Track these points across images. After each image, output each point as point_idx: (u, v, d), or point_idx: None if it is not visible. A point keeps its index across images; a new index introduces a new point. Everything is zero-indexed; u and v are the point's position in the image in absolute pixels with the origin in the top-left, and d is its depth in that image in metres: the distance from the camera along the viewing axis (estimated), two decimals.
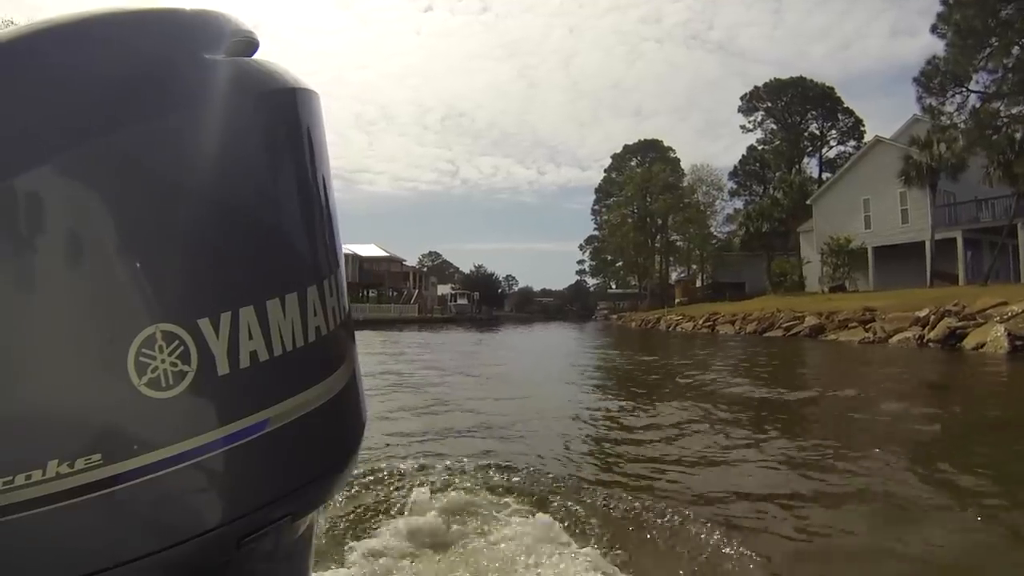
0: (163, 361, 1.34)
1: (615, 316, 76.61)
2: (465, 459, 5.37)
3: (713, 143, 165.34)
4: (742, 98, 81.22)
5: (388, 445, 6.11)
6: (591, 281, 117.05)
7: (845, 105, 78.56)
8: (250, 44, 1.64)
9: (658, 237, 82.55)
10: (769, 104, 79.27)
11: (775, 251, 57.40)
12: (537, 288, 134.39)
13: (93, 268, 1.32)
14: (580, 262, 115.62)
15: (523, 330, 49.84)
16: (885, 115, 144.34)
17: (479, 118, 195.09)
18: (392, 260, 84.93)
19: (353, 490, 4.33)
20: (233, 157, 1.54)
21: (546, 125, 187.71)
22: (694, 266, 79.32)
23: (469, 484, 4.55)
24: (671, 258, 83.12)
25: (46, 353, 1.29)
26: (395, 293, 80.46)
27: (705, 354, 19.36)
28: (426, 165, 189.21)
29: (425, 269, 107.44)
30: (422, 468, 5.07)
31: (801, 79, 78.50)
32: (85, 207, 1.31)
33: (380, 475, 4.82)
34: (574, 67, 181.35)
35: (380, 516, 3.93)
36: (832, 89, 78.63)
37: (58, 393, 1.29)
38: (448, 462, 5.24)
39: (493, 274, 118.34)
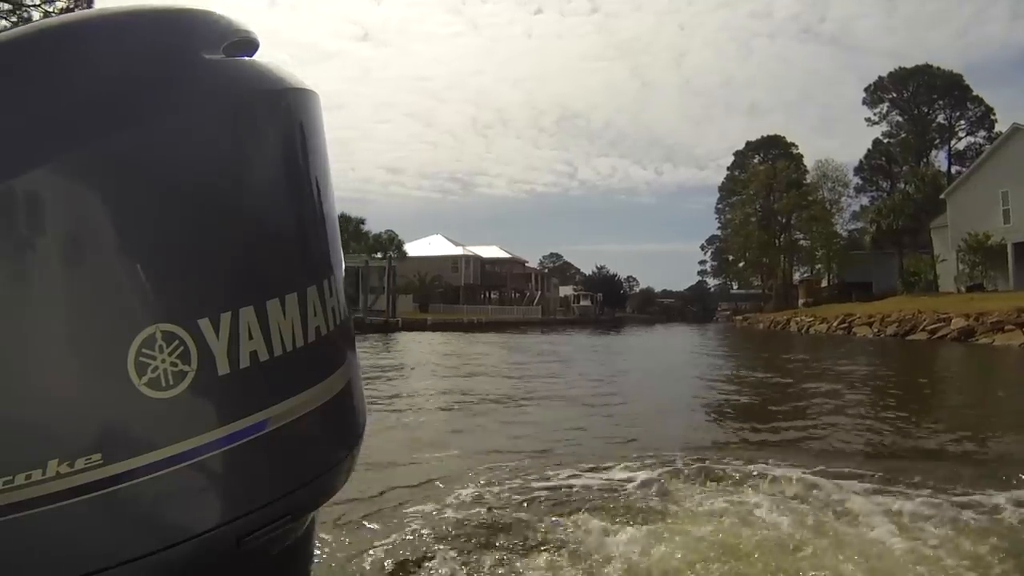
0: (163, 361, 1.36)
1: (739, 317, 74.72)
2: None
3: (828, 140, 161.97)
4: (866, 89, 77.82)
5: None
6: (712, 281, 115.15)
7: (974, 93, 73.94)
8: (250, 44, 1.62)
9: (781, 236, 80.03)
10: (894, 94, 75.49)
11: (904, 249, 54.60)
12: (657, 289, 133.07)
13: (93, 268, 1.34)
14: (702, 262, 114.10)
15: (647, 333, 48.39)
16: (1009, 104, 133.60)
17: (594, 119, 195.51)
18: (514, 261, 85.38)
19: (356, 489, 4.20)
20: (232, 157, 1.54)
21: (661, 125, 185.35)
22: (818, 265, 76.17)
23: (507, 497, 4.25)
24: (794, 257, 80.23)
25: (45, 353, 1.31)
26: (517, 295, 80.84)
27: (862, 366, 16.74)
28: (543, 167, 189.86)
29: (546, 270, 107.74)
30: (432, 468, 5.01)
31: (927, 67, 74.29)
32: (85, 208, 1.33)
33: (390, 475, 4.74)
34: (686, 65, 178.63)
35: (386, 516, 3.84)
36: (960, 76, 74.13)
37: (58, 393, 1.31)
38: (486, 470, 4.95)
39: (615, 275, 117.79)
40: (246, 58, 1.58)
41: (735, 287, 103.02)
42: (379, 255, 56.16)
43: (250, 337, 1.44)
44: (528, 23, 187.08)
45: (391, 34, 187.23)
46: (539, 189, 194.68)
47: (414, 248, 70.14)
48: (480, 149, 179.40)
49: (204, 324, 1.38)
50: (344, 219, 62.86)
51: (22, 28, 1.41)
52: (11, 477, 1.24)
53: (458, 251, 75.67)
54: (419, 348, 23.72)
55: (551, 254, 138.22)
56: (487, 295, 77.68)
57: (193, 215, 1.43)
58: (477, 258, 77.25)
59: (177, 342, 1.35)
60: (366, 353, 18.76)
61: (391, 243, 63.38)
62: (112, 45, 1.44)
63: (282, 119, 1.61)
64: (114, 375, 1.30)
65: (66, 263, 1.31)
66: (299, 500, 1.59)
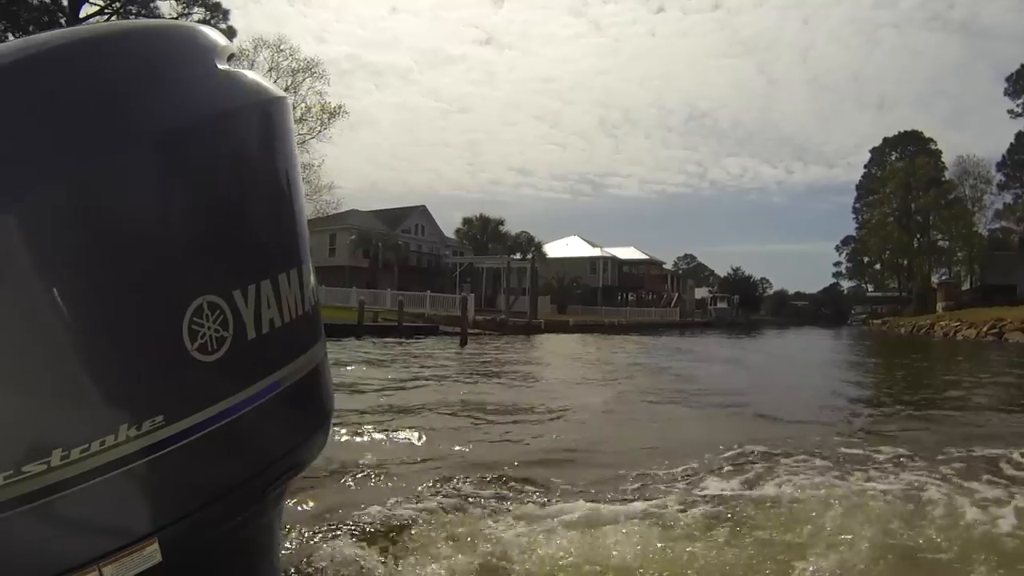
0: (209, 328, 1.45)
1: (877, 321, 70.43)
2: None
3: (960, 133, 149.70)
4: (1008, 79, 71.35)
5: None
6: (846, 284, 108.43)
7: None
8: (234, 55, 1.73)
9: (919, 236, 75.03)
10: None
11: None
12: (791, 291, 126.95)
13: (153, 251, 1.43)
14: (836, 264, 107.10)
15: (792, 337, 45.63)
16: None
17: (722, 118, 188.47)
18: (651, 263, 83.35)
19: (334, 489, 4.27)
20: (243, 156, 1.68)
21: (789, 122, 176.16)
22: (957, 268, 70.58)
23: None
24: (932, 259, 74.96)
25: (112, 330, 1.38)
26: (654, 296, 78.93)
27: None
28: (673, 167, 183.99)
29: (681, 272, 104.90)
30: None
31: None
32: (139, 202, 1.44)
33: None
34: (812, 60, 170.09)
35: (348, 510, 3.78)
36: None
37: (126, 364, 1.38)
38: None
39: (750, 277, 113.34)
40: (229, 68, 1.69)
41: (870, 289, 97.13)
42: (517, 256, 55.92)
43: (268, 306, 1.58)
44: (651, 22, 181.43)
45: (513, 37, 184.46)
46: (670, 190, 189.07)
47: (552, 249, 68.95)
48: (609, 150, 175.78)
49: (237, 295, 1.52)
50: (483, 220, 62.60)
51: (45, 35, 1.50)
52: (87, 445, 1.32)
53: (596, 252, 74.05)
54: (559, 349, 22.68)
55: (685, 255, 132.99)
56: (624, 296, 75.73)
57: (223, 203, 1.60)
58: (614, 259, 75.45)
59: (219, 311, 1.48)
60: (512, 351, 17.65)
61: (530, 244, 62.60)
62: (110, 58, 1.52)
63: (272, 122, 1.76)
64: (172, 343, 1.41)
65: (130, 246, 1.41)
66: (303, 452, 1.75)
